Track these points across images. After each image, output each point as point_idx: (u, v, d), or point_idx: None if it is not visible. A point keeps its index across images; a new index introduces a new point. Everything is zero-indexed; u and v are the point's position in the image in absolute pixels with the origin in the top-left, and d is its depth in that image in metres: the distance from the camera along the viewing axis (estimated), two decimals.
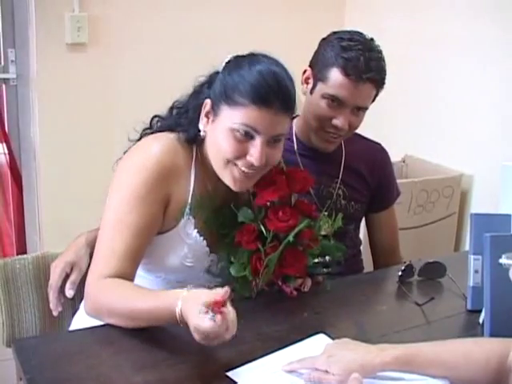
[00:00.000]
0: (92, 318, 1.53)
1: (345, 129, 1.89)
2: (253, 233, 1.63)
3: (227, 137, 1.55)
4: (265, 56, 1.61)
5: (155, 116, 1.74)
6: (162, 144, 1.60)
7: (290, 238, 1.61)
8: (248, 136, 1.54)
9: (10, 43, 3.19)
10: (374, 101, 1.93)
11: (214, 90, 1.59)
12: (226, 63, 1.62)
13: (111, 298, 1.48)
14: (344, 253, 1.80)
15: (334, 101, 1.86)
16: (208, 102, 1.60)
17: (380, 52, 1.89)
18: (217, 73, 1.63)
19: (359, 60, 1.82)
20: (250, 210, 1.65)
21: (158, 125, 1.73)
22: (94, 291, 1.51)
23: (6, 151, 3.25)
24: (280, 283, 1.68)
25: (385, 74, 1.89)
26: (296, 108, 1.61)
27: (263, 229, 1.62)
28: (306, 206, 1.72)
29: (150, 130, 1.73)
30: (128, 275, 1.53)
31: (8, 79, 3.23)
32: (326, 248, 1.74)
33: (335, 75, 1.84)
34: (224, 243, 1.67)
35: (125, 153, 1.67)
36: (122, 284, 1.50)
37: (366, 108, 1.92)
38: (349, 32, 1.92)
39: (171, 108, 1.73)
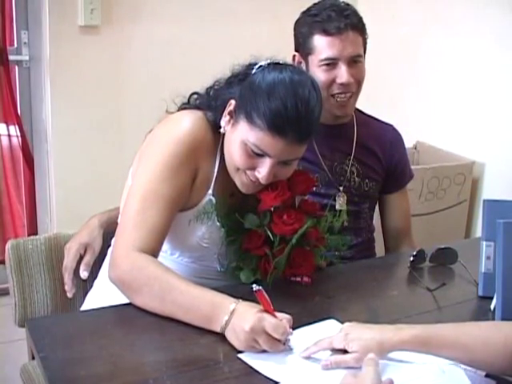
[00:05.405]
0: (114, 285, 1.51)
1: (350, 82, 1.92)
2: (260, 238, 1.64)
3: (240, 148, 1.55)
4: (300, 73, 1.58)
5: (194, 93, 1.75)
6: (195, 118, 1.62)
7: (294, 240, 1.62)
8: (259, 154, 1.54)
9: (23, 25, 3.20)
10: (365, 50, 1.97)
11: (240, 93, 1.57)
12: (260, 67, 1.58)
13: (148, 275, 1.45)
14: (348, 242, 1.81)
15: (329, 63, 1.91)
16: (232, 103, 1.59)
17: (348, 4, 1.96)
18: (252, 67, 1.60)
19: (331, 16, 1.89)
20: (255, 215, 1.65)
21: (196, 102, 1.73)
22: (125, 262, 1.48)
23: (19, 133, 3.27)
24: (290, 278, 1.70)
25: (361, 18, 1.95)
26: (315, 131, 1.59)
27: (269, 233, 1.63)
28: (311, 206, 1.72)
29: (188, 105, 1.74)
30: (156, 251, 1.53)
31: (21, 61, 3.24)
32: (331, 241, 1.75)
33: (318, 40, 1.91)
34: (232, 249, 1.68)
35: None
36: (161, 264, 1.49)
37: (360, 56, 1.95)
38: (313, 3, 1.99)
39: (210, 88, 1.72)
